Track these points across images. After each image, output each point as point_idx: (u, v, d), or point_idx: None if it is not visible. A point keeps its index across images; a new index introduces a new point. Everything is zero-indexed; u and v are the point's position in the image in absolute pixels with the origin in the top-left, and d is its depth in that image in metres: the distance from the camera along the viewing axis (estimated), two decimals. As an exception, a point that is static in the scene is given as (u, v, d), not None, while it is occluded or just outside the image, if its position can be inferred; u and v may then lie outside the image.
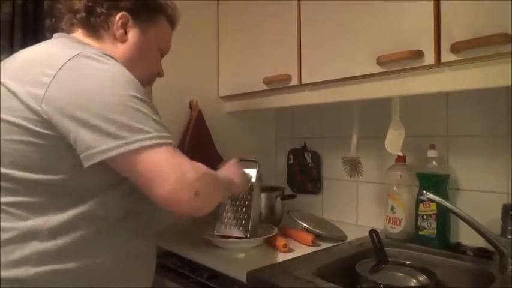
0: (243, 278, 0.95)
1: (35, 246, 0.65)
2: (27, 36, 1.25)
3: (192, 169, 0.68)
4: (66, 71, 0.66)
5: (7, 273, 0.64)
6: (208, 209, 0.73)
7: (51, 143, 0.66)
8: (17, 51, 0.78)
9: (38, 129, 0.65)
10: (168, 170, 0.65)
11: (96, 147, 0.63)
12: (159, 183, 0.64)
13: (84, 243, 0.69)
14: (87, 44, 0.78)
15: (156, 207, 0.78)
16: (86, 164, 0.64)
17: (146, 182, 0.65)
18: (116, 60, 0.73)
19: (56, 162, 0.67)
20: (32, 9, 1.27)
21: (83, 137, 0.63)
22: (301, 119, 1.69)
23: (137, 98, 0.67)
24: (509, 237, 0.96)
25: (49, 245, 0.66)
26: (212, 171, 0.77)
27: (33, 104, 0.64)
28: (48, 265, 0.66)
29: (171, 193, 0.64)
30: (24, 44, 1.11)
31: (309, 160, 1.63)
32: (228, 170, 0.98)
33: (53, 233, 0.66)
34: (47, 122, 0.65)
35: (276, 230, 1.21)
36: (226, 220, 1.17)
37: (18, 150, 0.66)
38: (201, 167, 0.71)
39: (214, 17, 1.56)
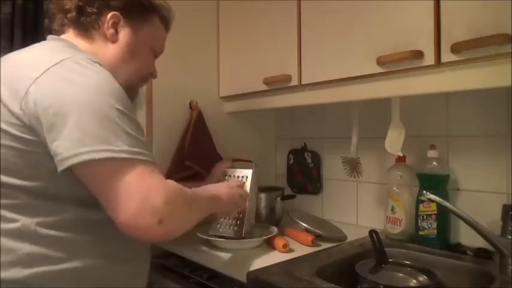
0: (243, 278, 0.95)
1: (24, 248, 0.65)
2: (27, 36, 1.25)
3: (160, 191, 0.63)
4: (49, 74, 0.65)
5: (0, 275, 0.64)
6: (176, 235, 0.69)
7: (31, 148, 0.65)
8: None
9: (19, 133, 0.64)
10: (131, 192, 0.61)
11: (63, 153, 0.61)
12: (120, 205, 0.61)
13: (74, 245, 0.68)
14: (79, 49, 0.78)
15: None
16: (58, 169, 0.62)
17: (107, 201, 0.63)
18: (105, 68, 0.71)
19: (36, 168, 0.66)
20: (32, 9, 1.27)
21: (54, 142, 0.62)
22: (301, 119, 1.69)
23: (117, 110, 0.65)
24: (509, 237, 0.96)
25: (39, 247, 0.66)
26: (188, 192, 0.71)
27: (14, 108, 0.64)
28: (39, 267, 0.65)
29: (130, 218, 0.60)
30: (24, 44, 1.10)
31: (309, 160, 1.63)
32: (218, 188, 0.93)
33: (43, 235, 0.66)
34: (27, 126, 0.64)
35: (276, 230, 1.21)
36: (221, 220, 1.17)
37: (2, 154, 0.65)
38: (173, 189, 0.66)
39: (214, 17, 1.56)
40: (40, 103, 0.63)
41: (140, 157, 0.64)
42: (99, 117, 0.63)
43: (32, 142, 0.65)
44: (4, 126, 0.64)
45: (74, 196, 0.69)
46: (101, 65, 0.72)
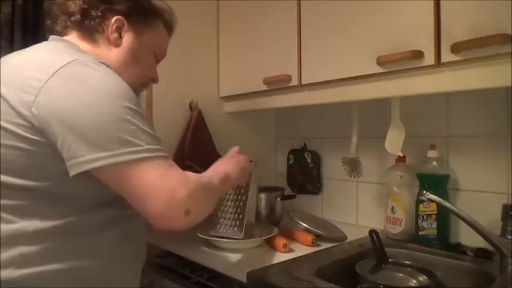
0: (243, 278, 0.95)
1: (19, 249, 0.65)
2: (27, 37, 1.25)
3: (183, 187, 0.66)
4: (59, 77, 0.65)
5: None
6: (201, 219, 0.73)
7: (39, 149, 0.65)
8: (17, 51, 0.78)
9: (26, 134, 0.64)
10: (158, 189, 0.64)
11: (82, 156, 0.62)
12: (149, 202, 0.64)
13: (69, 246, 0.68)
14: (82, 50, 0.77)
15: None
16: (71, 173, 0.63)
17: (136, 199, 0.65)
18: (111, 69, 0.72)
19: (42, 169, 0.66)
20: (32, 9, 1.27)
21: (71, 144, 0.62)
22: (301, 119, 1.69)
23: (130, 109, 0.66)
24: (509, 237, 0.96)
25: (33, 247, 0.66)
26: (204, 179, 0.76)
27: (23, 110, 0.64)
28: (32, 267, 0.65)
29: (161, 213, 0.64)
30: (24, 44, 1.11)
31: (309, 160, 1.63)
32: (223, 164, 0.94)
33: (38, 236, 0.66)
34: (36, 128, 0.64)
35: (276, 230, 1.20)
36: (221, 221, 1.17)
37: (5, 155, 0.65)
38: (193, 181, 0.69)
39: (214, 17, 1.56)
40: (51, 106, 0.63)
41: (159, 153, 0.66)
42: (115, 119, 0.64)
43: (40, 143, 0.65)
44: (11, 127, 0.64)
45: (76, 198, 0.69)
46: (108, 66, 0.72)
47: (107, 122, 0.63)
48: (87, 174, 0.64)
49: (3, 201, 0.65)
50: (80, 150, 0.62)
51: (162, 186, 0.64)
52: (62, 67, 0.65)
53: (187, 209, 0.65)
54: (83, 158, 0.62)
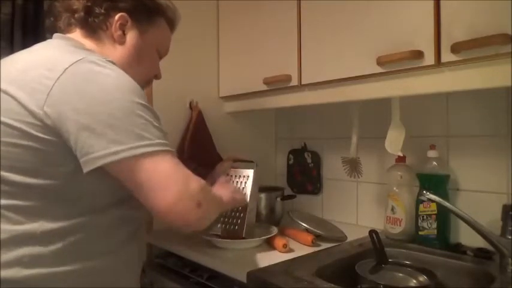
0: (243, 278, 0.95)
1: (27, 249, 0.65)
2: (27, 37, 1.24)
3: (195, 180, 0.68)
4: (70, 74, 0.65)
5: None
6: (207, 221, 0.73)
7: (49, 148, 0.65)
8: (17, 51, 0.78)
9: (37, 133, 0.64)
10: (171, 180, 0.65)
11: (95, 152, 0.62)
12: (161, 193, 0.64)
13: (77, 247, 0.69)
14: (87, 48, 0.78)
15: (146, 212, 0.77)
16: (85, 169, 0.63)
17: (146, 192, 0.65)
18: (118, 67, 0.72)
19: (52, 168, 0.66)
20: (32, 9, 1.26)
21: (84, 141, 0.63)
22: (301, 119, 1.69)
23: (141, 104, 0.67)
24: (509, 237, 0.96)
25: (42, 248, 0.66)
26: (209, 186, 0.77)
27: (34, 108, 0.64)
28: (40, 268, 0.65)
29: (172, 204, 0.64)
30: (25, 45, 1.11)
31: (309, 160, 1.63)
32: (219, 190, 0.95)
33: (47, 237, 0.66)
34: (47, 127, 0.64)
35: (276, 230, 1.20)
36: (222, 220, 1.17)
37: (15, 153, 0.65)
38: (201, 179, 0.71)
39: (214, 17, 1.56)
40: (64, 104, 0.63)
41: (168, 148, 0.68)
42: (128, 114, 0.65)
43: (51, 142, 0.65)
44: (22, 126, 0.64)
45: (84, 199, 0.70)
46: (114, 63, 0.72)
47: (120, 118, 0.64)
48: (97, 173, 0.64)
49: (13, 201, 0.65)
50: (94, 146, 0.62)
51: (177, 175, 0.66)
52: (71, 65, 0.66)
53: (198, 201, 0.66)
54: (98, 153, 0.62)
